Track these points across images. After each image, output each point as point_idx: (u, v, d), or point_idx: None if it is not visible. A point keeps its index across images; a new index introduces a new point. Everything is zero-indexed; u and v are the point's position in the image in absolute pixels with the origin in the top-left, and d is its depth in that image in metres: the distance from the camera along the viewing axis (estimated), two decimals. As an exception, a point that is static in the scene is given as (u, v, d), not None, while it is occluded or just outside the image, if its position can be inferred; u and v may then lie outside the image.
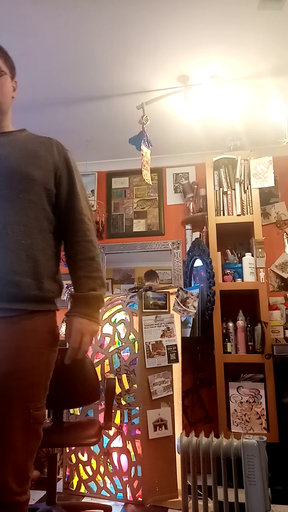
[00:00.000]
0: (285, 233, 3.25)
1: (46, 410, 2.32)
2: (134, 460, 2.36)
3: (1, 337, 1.18)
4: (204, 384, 2.95)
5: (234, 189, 2.96)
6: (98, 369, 2.50)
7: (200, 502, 1.99)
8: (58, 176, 1.33)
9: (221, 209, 2.95)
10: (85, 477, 2.51)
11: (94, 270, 1.31)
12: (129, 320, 2.52)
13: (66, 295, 3.40)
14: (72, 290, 1.33)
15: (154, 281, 3.38)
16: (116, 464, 2.41)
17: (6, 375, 1.15)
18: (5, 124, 1.39)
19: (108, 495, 2.40)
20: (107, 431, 2.44)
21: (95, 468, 2.48)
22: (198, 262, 3.11)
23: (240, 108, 2.82)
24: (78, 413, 2.57)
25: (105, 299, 2.67)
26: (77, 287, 1.30)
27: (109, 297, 2.70)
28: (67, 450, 2.57)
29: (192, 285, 3.14)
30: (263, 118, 2.91)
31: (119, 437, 2.44)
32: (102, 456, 2.47)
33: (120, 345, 2.53)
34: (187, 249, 3.28)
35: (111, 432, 2.46)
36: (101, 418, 2.39)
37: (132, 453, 2.38)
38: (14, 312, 1.19)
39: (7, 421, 1.14)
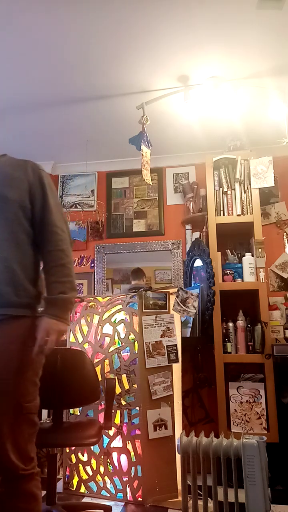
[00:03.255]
0: (285, 233, 3.25)
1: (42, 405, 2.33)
2: (134, 460, 2.36)
3: None
4: (204, 384, 2.95)
5: (234, 189, 2.96)
6: (98, 369, 2.50)
7: (200, 502, 1.99)
8: (32, 193, 1.48)
9: (221, 209, 2.95)
10: (85, 477, 2.51)
11: (64, 276, 1.44)
12: (129, 320, 2.52)
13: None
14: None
15: (140, 280, 3.35)
16: (116, 464, 2.41)
17: None
18: None
19: (108, 495, 2.40)
20: (107, 431, 2.44)
21: (95, 468, 2.48)
22: (198, 262, 3.11)
23: (240, 108, 2.82)
24: (78, 413, 2.57)
25: (105, 299, 2.67)
26: (48, 290, 1.44)
27: (109, 297, 2.69)
28: (67, 450, 2.57)
29: (192, 285, 3.13)
30: (263, 118, 2.91)
31: (119, 437, 2.44)
32: (102, 456, 2.47)
33: (120, 345, 2.53)
34: (187, 249, 3.28)
35: (111, 432, 2.45)
36: (101, 418, 2.39)
37: (132, 453, 2.38)
38: None
39: (3, 414, 1.31)
